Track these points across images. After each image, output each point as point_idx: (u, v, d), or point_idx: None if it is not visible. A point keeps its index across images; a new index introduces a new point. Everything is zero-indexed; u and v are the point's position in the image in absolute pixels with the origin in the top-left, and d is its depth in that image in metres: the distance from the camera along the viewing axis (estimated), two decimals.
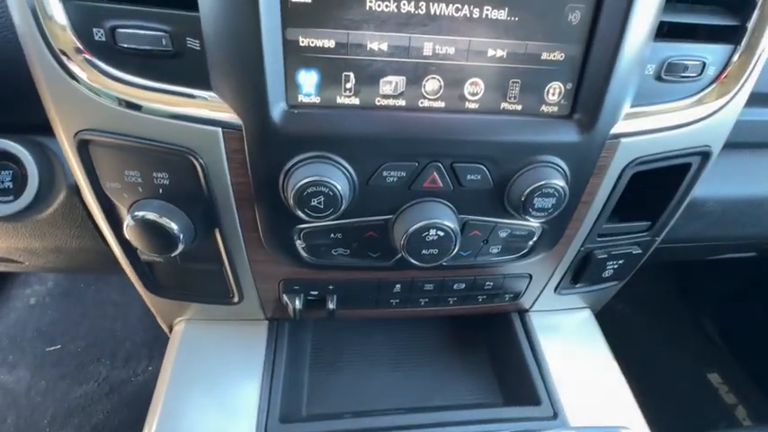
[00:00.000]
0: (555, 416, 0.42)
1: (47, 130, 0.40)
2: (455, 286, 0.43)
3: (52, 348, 1.06)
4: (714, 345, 1.11)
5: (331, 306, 0.42)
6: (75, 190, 0.40)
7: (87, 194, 0.35)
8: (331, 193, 0.31)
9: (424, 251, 0.34)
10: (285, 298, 0.42)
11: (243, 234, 0.37)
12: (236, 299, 0.43)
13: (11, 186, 0.41)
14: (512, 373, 0.47)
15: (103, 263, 0.47)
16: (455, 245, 0.34)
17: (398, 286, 0.43)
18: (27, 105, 0.38)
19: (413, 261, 0.35)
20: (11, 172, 0.41)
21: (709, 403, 1.01)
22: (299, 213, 0.32)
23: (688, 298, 1.13)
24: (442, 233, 0.33)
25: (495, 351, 0.51)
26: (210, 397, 0.41)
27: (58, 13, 0.28)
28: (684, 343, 1.08)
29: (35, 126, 0.40)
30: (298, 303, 0.42)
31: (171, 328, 0.50)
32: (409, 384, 0.48)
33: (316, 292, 0.42)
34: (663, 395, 0.80)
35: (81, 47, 0.28)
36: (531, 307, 0.51)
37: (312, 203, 0.31)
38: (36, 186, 0.40)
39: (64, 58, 0.28)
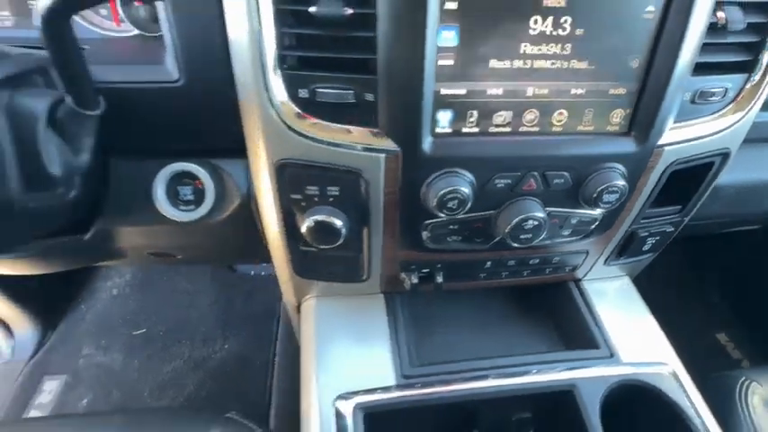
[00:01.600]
0: (611, 356, 0.55)
1: (218, 153, 0.53)
2: (531, 261, 0.56)
3: (138, 332, 1.20)
4: (720, 310, 1.25)
5: (439, 280, 0.55)
6: (246, 199, 0.53)
7: (271, 203, 0.47)
8: (461, 198, 0.43)
9: (522, 236, 0.47)
10: (403, 275, 0.55)
11: (384, 229, 0.49)
12: (364, 277, 0.55)
13: (192, 198, 0.53)
14: (573, 329, 0.60)
15: (250, 253, 0.59)
16: (544, 230, 0.47)
17: (489, 263, 0.55)
18: (210, 137, 0.50)
19: (513, 244, 0.47)
20: (192, 187, 0.53)
21: (717, 357, 1.15)
22: (438, 213, 0.44)
23: (695, 267, 1.26)
24: (536, 222, 0.46)
25: (557, 313, 0.63)
26: (352, 355, 0.54)
27: (278, 83, 0.39)
28: (693, 308, 1.21)
29: (210, 151, 0.52)
30: (414, 279, 0.55)
31: (298, 306, 0.63)
32: (491, 341, 0.61)
33: (427, 270, 0.55)
34: (676, 349, 0.93)
35: (291, 103, 0.40)
36: (583, 276, 0.63)
37: (449, 206, 0.43)
38: (213, 198, 0.53)
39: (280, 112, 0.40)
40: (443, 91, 0.41)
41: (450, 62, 0.39)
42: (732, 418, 0.58)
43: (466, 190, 0.43)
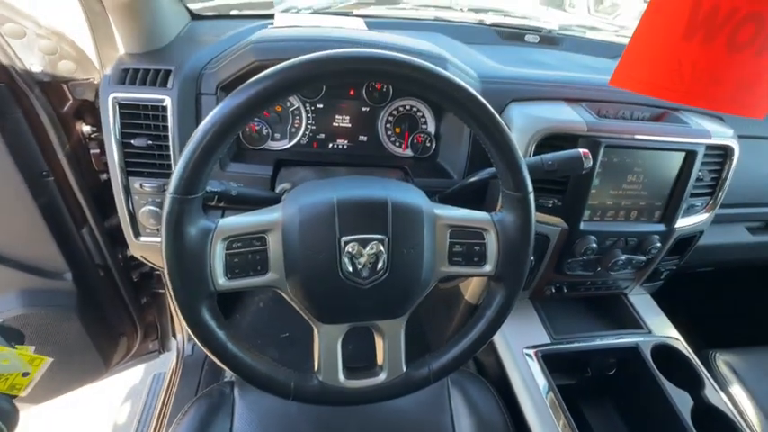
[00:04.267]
0: (650, 332, 1.05)
1: None
2: (608, 281, 1.07)
3: (284, 335, 1.58)
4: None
5: (565, 290, 1.05)
6: None
7: None
8: (593, 249, 0.94)
9: (615, 267, 0.98)
10: (545, 287, 1.04)
11: (548, 262, 0.99)
12: (528, 288, 1.04)
13: None
14: (625, 319, 1.11)
15: None
16: (626, 266, 0.98)
17: (588, 282, 1.06)
18: None
19: (610, 272, 0.98)
20: None
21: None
22: (579, 256, 0.94)
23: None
24: (622, 261, 0.97)
25: (613, 311, 1.14)
26: (521, 327, 1.02)
27: None
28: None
29: None
30: (552, 289, 1.04)
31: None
32: (583, 324, 1.11)
33: (558, 285, 1.05)
34: None
35: None
36: (628, 292, 1.15)
37: (587, 252, 0.94)
38: None
39: None
40: (589, 202, 0.92)
41: (594, 191, 0.91)
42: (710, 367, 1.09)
43: (594, 245, 0.94)
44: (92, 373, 1.28)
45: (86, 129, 1.02)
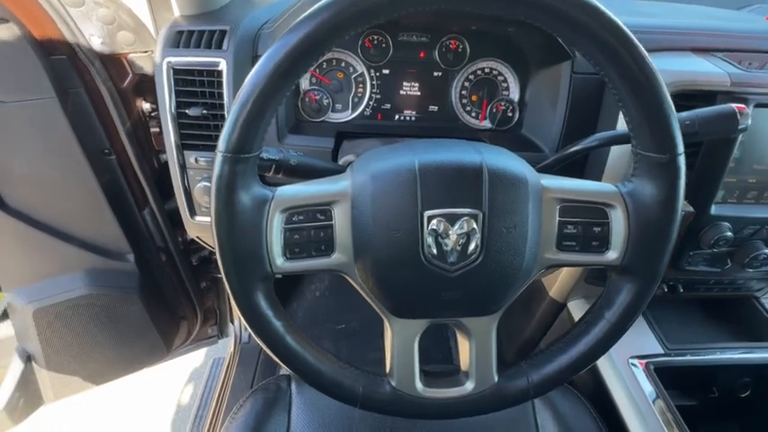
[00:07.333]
0: None
1: None
2: (739, 281, 0.86)
3: (340, 327, 1.51)
4: None
5: (680, 290, 0.85)
6: None
7: None
8: (727, 239, 0.74)
9: (754, 264, 0.77)
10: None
11: None
12: None
13: None
14: (761, 328, 0.89)
15: None
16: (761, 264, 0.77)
17: (712, 280, 0.86)
18: None
19: (748, 270, 0.78)
20: None
21: None
22: (708, 249, 0.75)
23: None
24: (766, 256, 0.76)
25: (743, 317, 0.93)
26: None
27: None
28: None
29: None
30: (665, 288, 0.85)
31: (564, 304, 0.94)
32: (707, 333, 0.90)
33: (672, 283, 0.86)
34: None
35: None
36: (761, 295, 0.93)
37: (719, 243, 0.74)
38: None
39: None
40: (725, 179, 0.73)
41: (733, 165, 0.72)
42: None
43: (729, 235, 0.74)
44: (154, 354, 1.29)
45: (146, 106, 0.98)
